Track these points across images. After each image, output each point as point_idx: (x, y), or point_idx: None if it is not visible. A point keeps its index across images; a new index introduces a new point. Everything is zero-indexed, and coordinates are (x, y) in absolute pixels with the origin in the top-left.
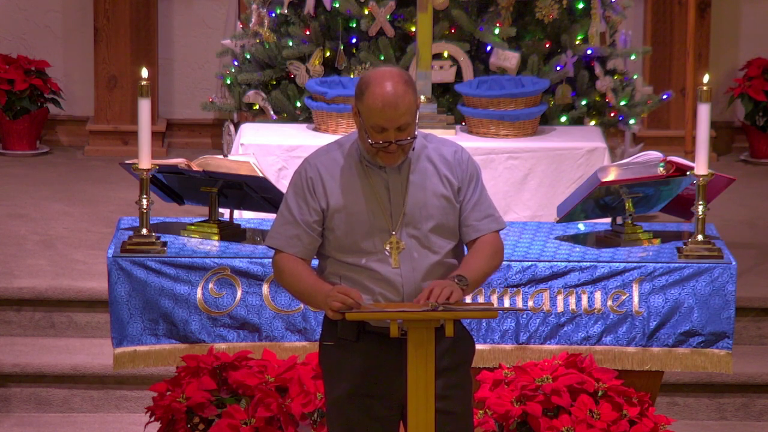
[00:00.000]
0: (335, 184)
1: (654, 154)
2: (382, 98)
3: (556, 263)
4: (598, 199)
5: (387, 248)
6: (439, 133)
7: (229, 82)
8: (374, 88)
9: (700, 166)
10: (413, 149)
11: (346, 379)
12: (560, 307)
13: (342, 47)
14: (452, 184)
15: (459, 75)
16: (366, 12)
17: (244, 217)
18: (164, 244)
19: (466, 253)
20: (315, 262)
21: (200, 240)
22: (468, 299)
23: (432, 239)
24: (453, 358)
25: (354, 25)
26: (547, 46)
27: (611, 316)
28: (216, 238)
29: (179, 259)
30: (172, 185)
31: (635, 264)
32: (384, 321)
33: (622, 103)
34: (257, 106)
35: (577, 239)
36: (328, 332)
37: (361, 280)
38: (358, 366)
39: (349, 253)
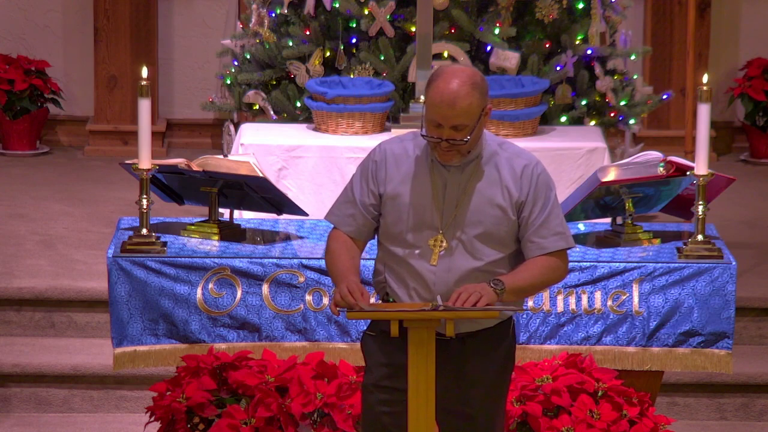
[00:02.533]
0: (397, 172)
1: (654, 154)
2: (441, 94)
3: None
4: (598, 199)
5: (431, 245)
6: None
7: (229, 82)
8: (439, 83)
9: (700, 166)
10: (481, 154)
11: (377, 369)
12: (560, 307)
13: (342, 47)
14: (512, 196)
15: None
16: (366, 12)
17: (244, 217)
18: (164, 244)
19: None
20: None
21: (200, 240)
22: None
23: (476, 245)
24: (492, 366)
25: (354, 25)
26: (547, 46)
27: (611, 316)
28: (216, 238)
29: (179, 259)
30: (172, 185)
31: (635, 264)
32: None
33: (622, 103)
34: (257, 106)
35: (577, 239)
36: (373, 322)
37: (400, 271)
38: (390, 358)
39: (395, 243)
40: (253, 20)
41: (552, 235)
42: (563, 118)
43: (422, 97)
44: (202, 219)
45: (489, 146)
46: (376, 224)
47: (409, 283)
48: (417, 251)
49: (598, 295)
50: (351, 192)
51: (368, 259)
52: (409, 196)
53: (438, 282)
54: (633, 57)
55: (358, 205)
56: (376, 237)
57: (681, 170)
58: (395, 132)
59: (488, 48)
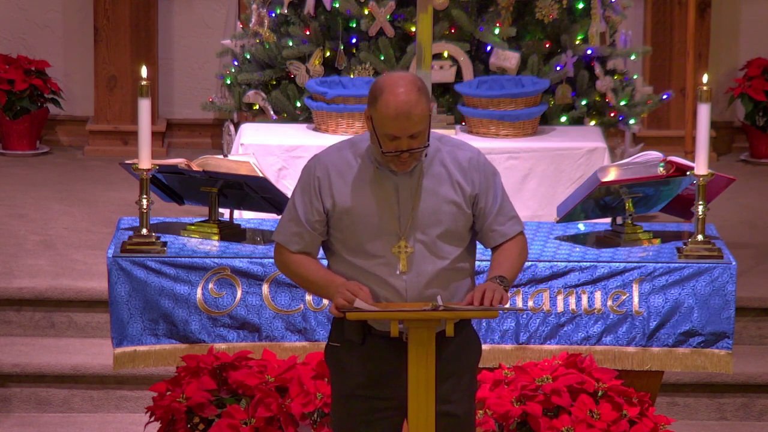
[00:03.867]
0: (343, 184)
1: (654, 154)
2: (396, 107)
3: (556, 263)
4: (598, 199)
5: (395, 252)
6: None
7: (229, 82)
8: (387, 96)
9: (700, 166)
10: (426, 154)
11: (350, 380)
12: (560, 307)
13: (342, 47)
14: (464, 190)
15: (459, 75)
16: (366, 12)
17: (244, 217)
18: (164, 244)
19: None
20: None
21: (200, 240)
22: None
23: (439, 245)
24: (461, 362)
25: (354, 25)
26: (547, 46)
27: (611, 316)
28: (216, 238)
29: (179, 259)
30: (172, 185)
31: (635, 264)
32: (388, 324)
33: (622, 103)
34: (257, 106)
35: (577, 239)
36: (336, 333)
37: (365, 282)
38: (363, 367)
39: (355, 254)
40: (253, 20)
41: (508, 221)
42: (563, 118)
43: None
44: (202, 219)
45: (431, 144)
46: (322, 239)
47: (377, 292)
48: (381, 260)
49: (598, 295)
50: (294, 210)
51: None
52: (362, 207)
53: (409, 288)
54: (633, 57)
55: (303, 224)
56: (329, 252)
57: (681, 170)
58: None
59: (488, 48)
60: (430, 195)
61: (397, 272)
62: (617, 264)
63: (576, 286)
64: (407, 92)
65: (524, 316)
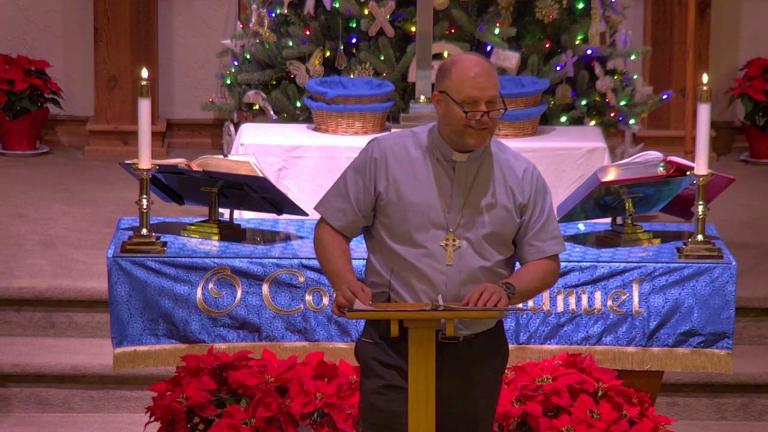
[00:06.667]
0: (400, 169)
1: (654, 154)
2: (474, 67)
3: None
4: (598, 199)
5: (443, 245)
6: None
7: (229, 82)
8: (462, 63)
9: (700, 166)
10: (483, 152)
11: (384, 371)
12: (560, 307)
13: (342, 47)
14: (515, 197)
15: None
16: (366, 12)
17: (244, 217)
18: (164, 244)
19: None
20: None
21: (200, 240)
22: None
23: (484, 245)
24: (494, 367)
25: (354, 25)
26: (547, 46)
27: (611, 316)
28: (216, 238)
29: (179, 259)
30: (172, 185)
31: (635, 264)
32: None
33: (622, 103)
34: (257, 106)
35: (577, 239)
36: (371, 329)
37: (405, 275)
38: (395, 362)
39: (400, 242)
40: (253, 20)
41: (550, 239)
42: (563, 118)
43: (422, 97)
44: (202, 219)
45: (490, 146)
46: (365, 222)
47: (416, 286)
48: (424, 251)
49: (598, 295)
50: (344, 186)
51: (357, 258)
52: (415, 195)
53: (450, 282)
54: (633, 57)
55: (350, 201)
56: (374, 240)
57: (681, 170)
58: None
59: (488, 48)
60: (481, 193)
61: (441, 265)
62: (617, 264)
63: (576, 286)
64: (478, 58)
65: (524, 316)
